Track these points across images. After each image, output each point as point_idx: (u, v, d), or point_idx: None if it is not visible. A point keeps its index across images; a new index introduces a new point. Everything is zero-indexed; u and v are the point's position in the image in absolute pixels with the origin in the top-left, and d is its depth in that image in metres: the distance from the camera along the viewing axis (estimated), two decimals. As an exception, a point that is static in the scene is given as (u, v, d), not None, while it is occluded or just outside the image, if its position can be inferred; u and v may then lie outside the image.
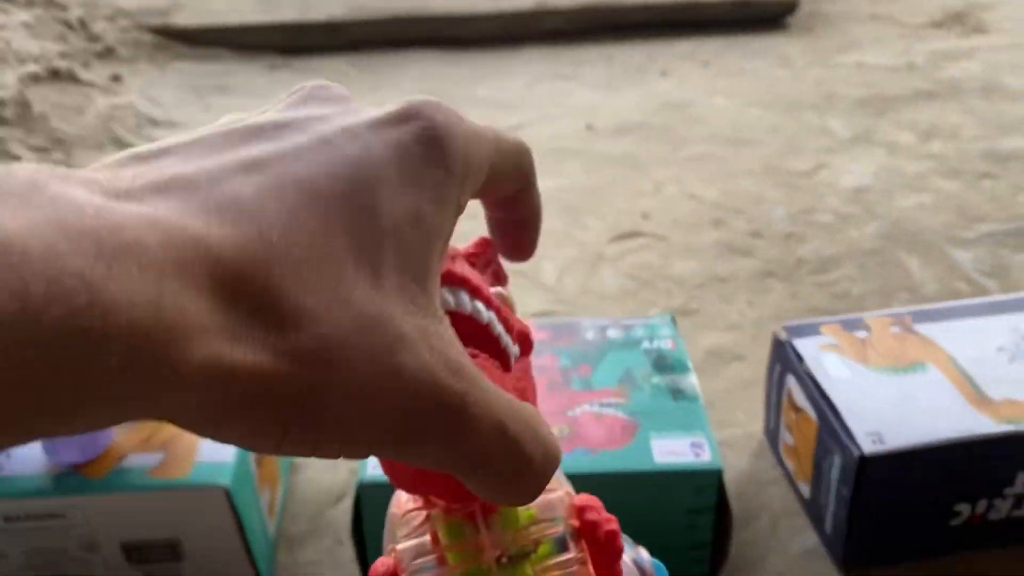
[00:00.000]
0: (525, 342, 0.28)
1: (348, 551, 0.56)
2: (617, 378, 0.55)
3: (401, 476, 0.29)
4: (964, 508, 0.53)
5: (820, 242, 0.87)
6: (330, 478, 0.62)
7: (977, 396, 0.53)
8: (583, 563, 0.31)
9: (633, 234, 0.90)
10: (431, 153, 0.22)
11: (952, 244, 0.86)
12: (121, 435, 0.52)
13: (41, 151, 0.99)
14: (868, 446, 0.49)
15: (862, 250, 0.86)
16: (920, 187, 0.97)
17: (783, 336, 0.59)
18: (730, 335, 0.75)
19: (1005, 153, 1.04)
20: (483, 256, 0.29)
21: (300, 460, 0.65)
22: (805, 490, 0.58)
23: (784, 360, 0.58)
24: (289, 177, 0.20)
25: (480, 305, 0.26)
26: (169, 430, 0.53)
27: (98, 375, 0.16)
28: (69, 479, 0.50)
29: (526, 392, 0.28)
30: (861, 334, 0.58)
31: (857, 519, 0.52)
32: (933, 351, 0.57)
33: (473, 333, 0.26)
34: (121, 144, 1.05)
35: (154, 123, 1.13)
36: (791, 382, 0.57)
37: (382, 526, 0.49)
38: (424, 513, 0.30)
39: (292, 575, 0.55)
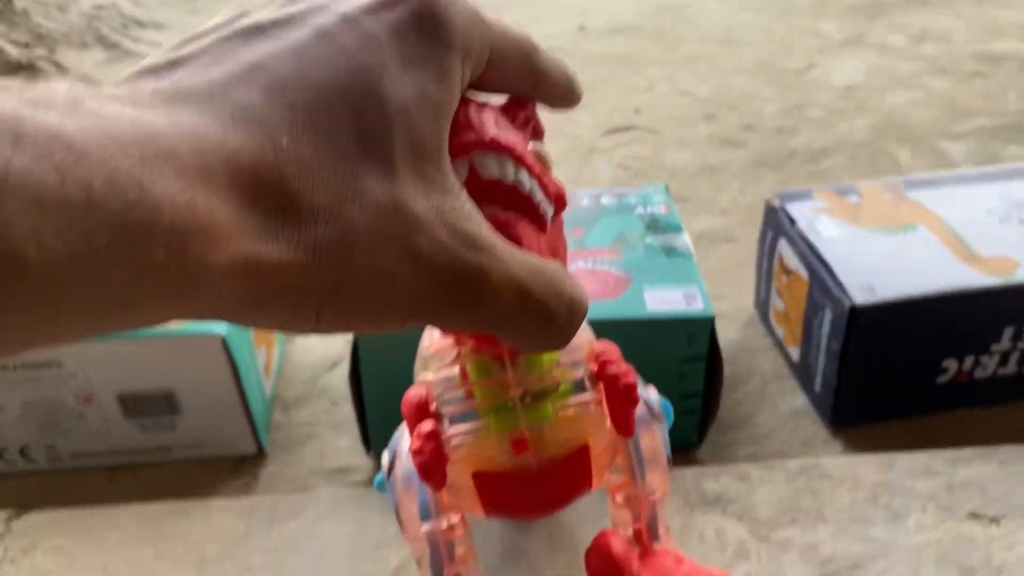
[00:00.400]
0: (559, 201, 0.28)
1: (343, 412, 0.57)
2: (611, 238, 0.55)
3: None
4: (951, 364, 0.54)
5: (812, 135, 0.87)
6: (325, 345, 0.62)
7: (967, 253, 0.53)
8: (598, 403, 0.32)
9: (626, 128, 0.90)
10: (430, 31, 0.23)
11: (943, 137, 0.86)
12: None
13: (23, 46, 0.97)
14: (859, 297, 0.50)
15: (853, 142, 0.86)
16: (911, 85, 0.97)
17: (776, 203, 0.59)
18: (721, 219, 0.75)
19: (997, 55, 1.03)
20: (523, 112, 0.29)
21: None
22: (795, 354, 0.58)
23: (776, 225, 0.59)
24: (292, 78, 0.21)
25: (523, 175, 0.26)
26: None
27: (148, 268, 0.17)
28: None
29: (558, 250, 0.28)
30: (853, 199, 0.59)
31: (846, 375, 0.52)
32: (924, 214, 0.57)
33: (514, 199, 0.26)
34: (106, 43, 1.03)
35: (140, 24, 1.11)
36: (782, 246, 0.58)
37: (379, 379, 0.50)
38: (456, 350, 0.32)
39: (288, 434, 0.56)
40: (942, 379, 0.54)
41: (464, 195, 0.24)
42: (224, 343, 0.49)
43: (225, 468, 0.53)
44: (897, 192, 0.59)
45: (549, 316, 0.25)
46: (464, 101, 0.26)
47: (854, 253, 0.53)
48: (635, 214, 0.57)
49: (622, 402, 0.32)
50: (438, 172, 0.23)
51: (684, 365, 0.50)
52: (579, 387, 0.32)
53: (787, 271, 0.57)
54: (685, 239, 0.55)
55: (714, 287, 0.67)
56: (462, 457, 0.32)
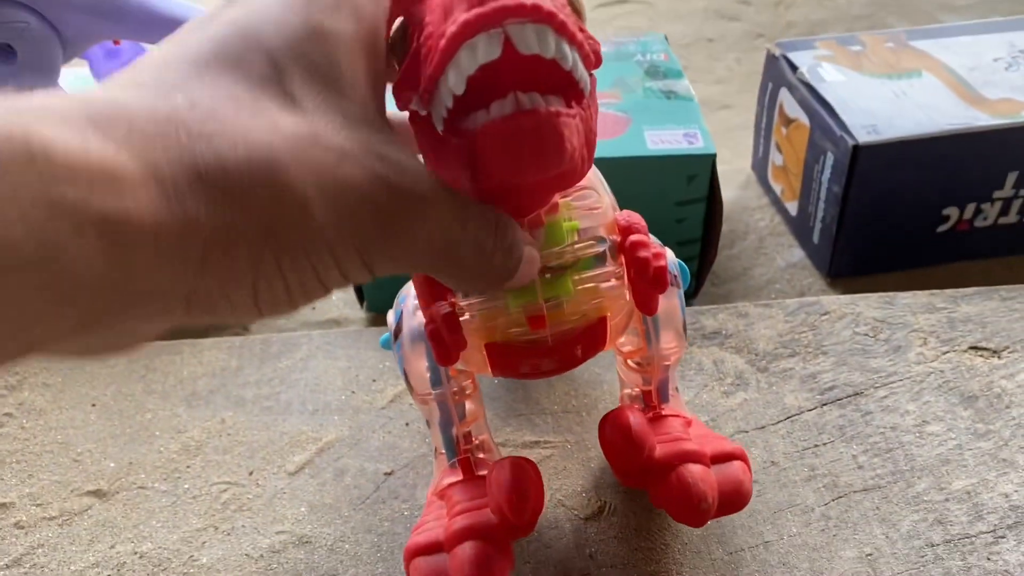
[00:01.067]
0: (596, 61, 0.25)
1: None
2: (610, 83, 0.53)
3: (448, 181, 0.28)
4: (952, 212, 0.53)
5: (809, 7, 0.85)
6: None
7: (972, 95, 0.52)
8: (619, 277, 0.30)
9: (620, 0, 0.87)
10: None
11: (942, 10, 0.84)
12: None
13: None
14: (863, 136, 0.49)
15: (851, 15, 0.84)
16: (912, -39, 0.94)
17: (777, 51, 0.57)
18: (718, 87, 0.74)
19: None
20: None
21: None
22: (792, 208, 0.57)
23: (777, 75, 0.57)
24: (179, 56, 0.22)
25: (565, 47, 0.23)
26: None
27: (68, 209, 0.18)
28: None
29: (592, 130, 0.26)
30: (856, 48, 0.57)
31: (846, 222, 0.52)
32: (928, 61, 0.55)
33: (553, 78, 0.24)
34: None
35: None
36: (783, 95, 0.56)
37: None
38: None
39: (277, 288, 0.54)
40: (942, 228, 0.53)
41: (389, 131, 0.24)
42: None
43: (214, 318, 0.52)
44: (900, 41, 0.58)
45: (486, 250, 0.25)
46: None
47: (857, 96, 0.52)
48: (634, 61, 0.55)
49: (651, 286, 0.31)
50: (349, 102, 0.23)
51: (683, 208, 0.49)
52: (599, 259, 0.30)
53: (787, 120, 0.56)
54: (686, 84, 0.53)
55: (710, 150, 0.66)
56: (475, 329, 0.30)
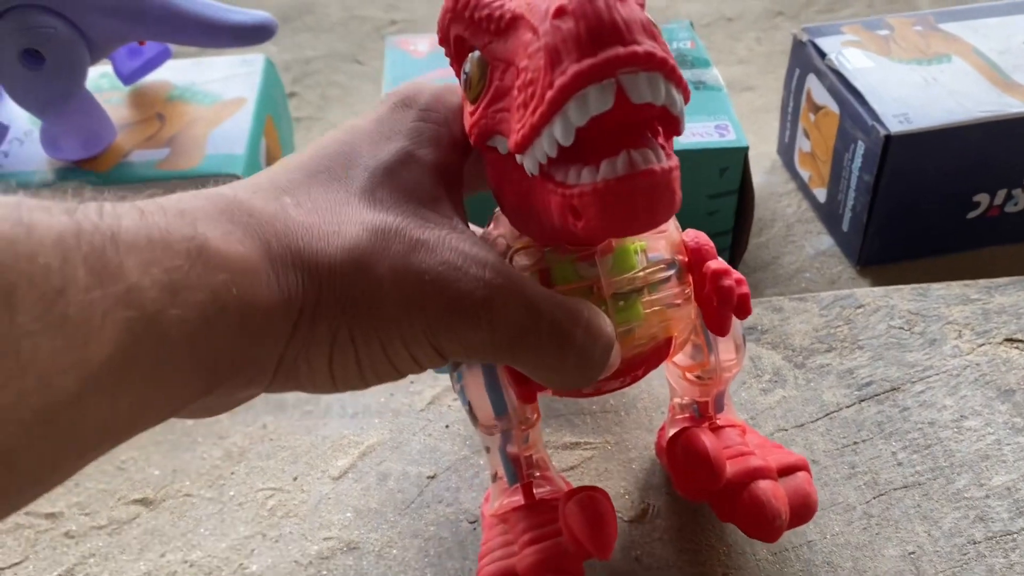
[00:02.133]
0: (687, 93, 0.25)
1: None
2: (635, 74, 0.53)
3: (517, 214, 0.28)
4: (983, 198, 0.53)
5: (829, -17, 0.84)
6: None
7: (1004, 80, 0.51)
8: (687, 298, 0.30)
9: (635, -20, 0.86)
10: (399, 109, 0.29)
11: (964, -17, 0.83)
12: (124, 133, 0.50)
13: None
14: (895, 126, 0.48)
15: (873, -11, 0.83)
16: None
17: (803, 37, 0.57)
18: (740, 68, 0.73)
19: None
20: None
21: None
22: (821, 195, 0.57)
23: (804, 61, 0.56)
24: (293, 166, 0.28)
25: (674, 92, 0.23)
26: (175, 126, 0.51)
27: (221, 297, 0.22)
28: (73, 173, 0.48)
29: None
30: (883, 32, 0.57)
31: (877, 210, 0.51)
32: (957, 44, 0.55)
33: (661, 121, 0.24)
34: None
35: None
36: (811, 82, 0.56)
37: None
38: (537, 252, 0.29)
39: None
40: (973, 214, 0.53)
41: (469, 232, 0.27)
42: (240, 184, 0.47)
43: (245, 317, 0.52)
44: (928, 24, 0.57)
45: (566, 335, 0.26)
46: None
47: (887, 83, 0.51)
48: (659, 51, 0.55)
49: (737, 313, 0.31)
50: (436, 214, 0.27)
51: (715, 200, 0.49)
52: (666, 280, 0.30)
53: (815, 107, 0.56)
54: (714, 73, 0.53)
55: (734, 134, 0.66)
56: None
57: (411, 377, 0.44)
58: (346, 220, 0.26)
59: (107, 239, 0.20)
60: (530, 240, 0.29)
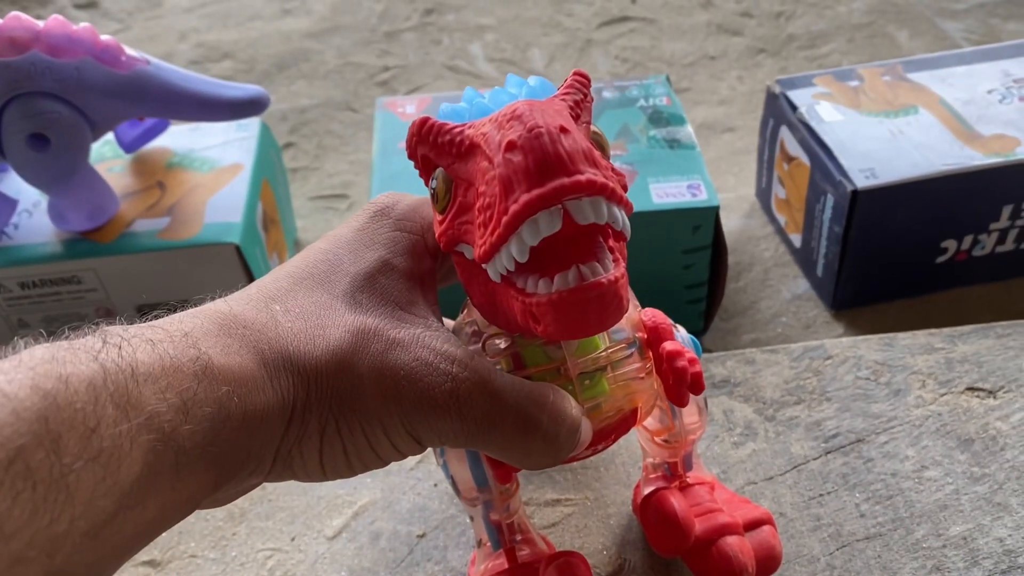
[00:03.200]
0: (629, 205, 0.28)
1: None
2: (614, 133, 0.55)
3: (485, 309, 0.31)
4: (950, 244, 0.55)
5: (809, 18, 0.86)
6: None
7: (967, 132, 0.54)
8: (648, 372, 0.33)
9: (622, 19, 0.88)
10: (376, 219, 0.32)
11: (942, 16, 0.85)
12: (126, 203, 0.53)
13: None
14: (861, 181, 0.51)
15: (851, 24, 0.85)
16: (911, -37, 0.95)
17: (776, 89, 0.59)
18: (721, 109, 0.75)
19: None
20: (585, 100, 0.29)
21: (304, 233, 0.66)
22: (796, 240, 0.59)
23: (777, 112, 0.59)
24: (283, 276, 0.31)
25: (616, 211, 0.26)
26: (175, 195, 0.53)
27: (228, 415, 0.26)
28: (79, 244, 0.50)
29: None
30: (853, 83, 0.59)
31: (847, 258, 0.54)
32: (924, 95, 0.57)
33: (604, 232, 0.27)
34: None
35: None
36: (784, 133, 0.58)
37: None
38: (508, 337, 0.32)
39: (304, 338, 0.57)
40: (941, 259, 0.55)
41: (444, 330, 0.30)
42: (238, 250, 0.50)
43: (246, 373, 0.54)
44: (897, 74, 0.59)
45: (528, 422, 0.29)
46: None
47: (855, 137, 0.54)
48: (637, 107, 0.57)
49: (691, 390, 0.33)
50: (411, 315, 0.30)
51: (689, 255, 0.51)
52: (627, 356, 0.32)
53: (788, 158, 0.58)
54: (688, 131, 0.55)
55: (715, 177, 0.68)
56: None
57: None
58: (330, 323, 0.29)
59: (128, 376, 0.23)
60: (500, 328, 0.32)
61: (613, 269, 0.26)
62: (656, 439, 0.38)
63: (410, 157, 0.30)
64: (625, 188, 0.28)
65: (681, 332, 0.36)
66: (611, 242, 0.27)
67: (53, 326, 0.52)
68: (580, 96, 0.29)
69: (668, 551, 0.38)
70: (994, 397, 0.46)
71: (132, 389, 0.23)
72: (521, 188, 0.25)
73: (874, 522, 0.41)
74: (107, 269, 0.50)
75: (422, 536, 0.42)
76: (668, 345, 0.33)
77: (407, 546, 0.42)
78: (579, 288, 0.26)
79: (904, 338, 0.50)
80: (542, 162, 0.24)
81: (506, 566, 0.37)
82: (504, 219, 0.25)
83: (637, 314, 0.34)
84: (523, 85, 0.29)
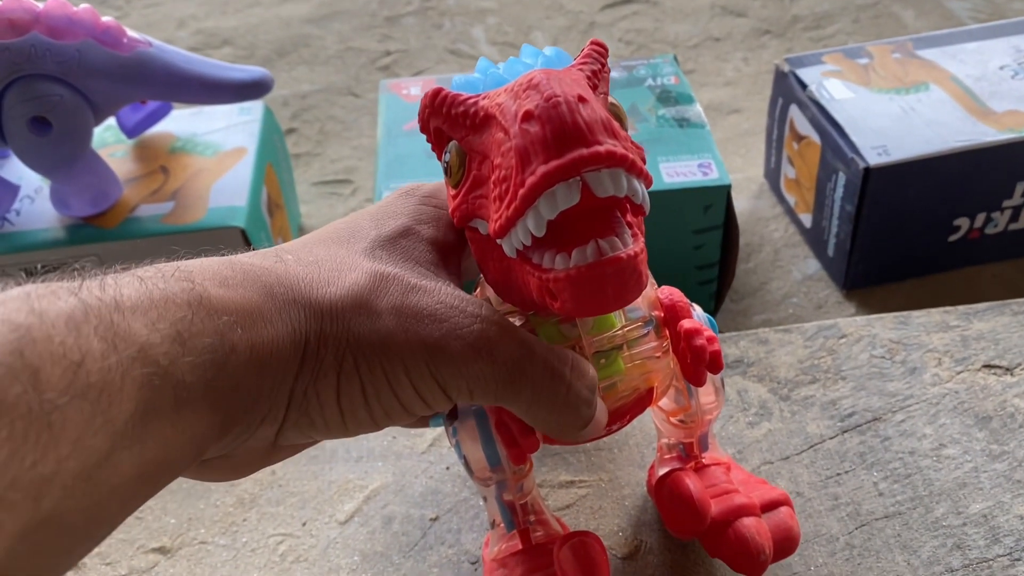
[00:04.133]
0: (648, 177, 0.27)
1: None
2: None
3: (499, 286, 0.30)
4: (963, 222, 0.54)
5: (815, 0, 0.85)
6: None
7: (980, 108, 0.53)
8: (665, 351, 0.32)
9: (625, 1, 0.88)
10: (402, 197, 0.32)
11: (948, -5, 0.84)
12: (129, 188, 0.52)
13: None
14: (873, 158, 0.50)
15: (856, 5, 0.84)
16: (916, -58, 0.94)
17: (785, 68, 0.58)
18: (727, 90, 0.75)
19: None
20: (602, 70, 0.28)
21: (308, 219, 0.65)
22: (807, 220, 0.59)
23: (786, 91, 0.58)
24: (309, 236, 0.31)
25: (636, 184, 0.25)
26: (179, 179, 0.52)
27: (231, 345, 0.24)
28: (82, 229, 0.50)
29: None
30: (863, 61, 0.58)
31: (859, 237, 0.53)
32: (935, 71, 0.56)
33: (623, 205, 0.26)
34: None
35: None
36: (793, 112, 0.57)
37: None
38: (522, 316, 0.31)
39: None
40: (953, 237, 0.55)
41: (461, 289, 0.29)
42: (244, 234, 0.49)
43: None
44: (907, 51, 0.59)
45: (555, 372, 0.28)
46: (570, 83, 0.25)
47: (866, 114, 0.53)
48: (645, 86, 0.57)
49: (709, 369, 0.33)
50: (431, 274, 0.29)
51: (701, 235, 0.51)
52: (643, 335, 0.32)
53: (798, 137, 0.57)
54: (697, 109, 0.54)
55: (723, 158, 0.67)
56: None
57: (412, 420, 0.46)
58: (346, 269, 0.28)
59: (112, 309, 0.22)
60: (514, 306, 0.31)
61: (632, 244, 0.25)
62: (672, 419, 0.37)
63: (422, 130, 0.30)
64: (644, 160, 0.27)
65: (697, 311, 0.35)
66: (628, 216, 0.26)
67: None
68: (597, 66, 0.28)
69: (684, 533, 0.37)
70: (1011, 374, 0.45)
71: (119, 321, 0.22)
72: (538, 159, 0.24)
73: (893, 501, 0.40)
74: (111, 255, 0.50)
75: (435, 519, 0.42)
76: (686, 323, 0.32)
77: (420, 530, 0.41)
78: (597, 263, 0.25)
79: (919, 316, 0.49)
80: (560, 132, 0.24)
81: (520, 547, 0.36)
82: (521, 192, 0.24)
83: (653, 292, 0.33)
84: (538, 55, 0.29)
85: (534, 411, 0.29)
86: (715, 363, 0.32)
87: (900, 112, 0.53)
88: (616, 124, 0.25)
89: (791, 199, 0.61)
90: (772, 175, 0.63)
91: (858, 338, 0.48)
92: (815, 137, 0.55)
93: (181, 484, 0.44)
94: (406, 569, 0.40)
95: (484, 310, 0.27)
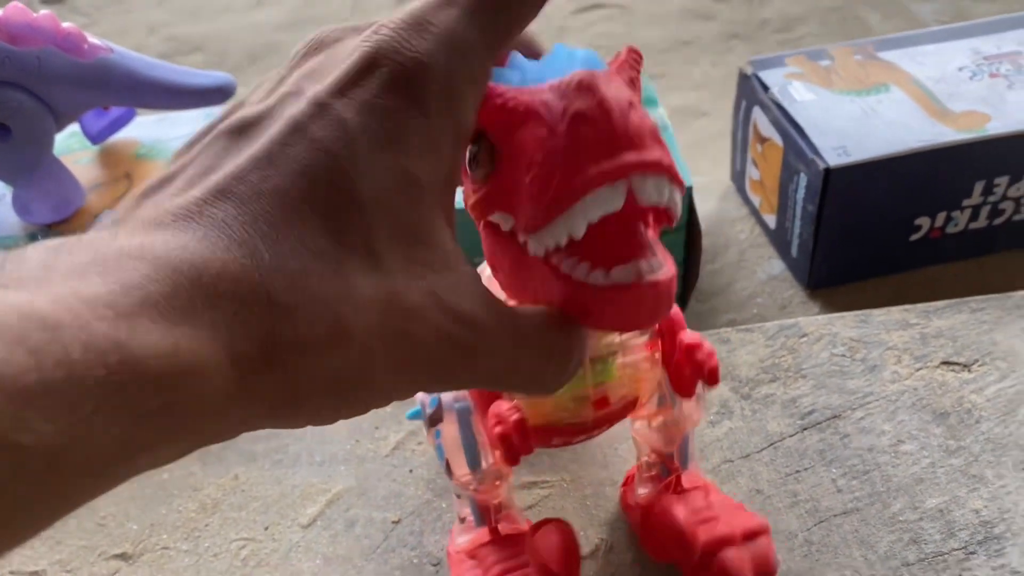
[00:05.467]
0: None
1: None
2: (585, 115, 0.55)
3: (512, 285, 0.29)
4: (924, 222, 0.55)
5: (783, 3, 0.86)
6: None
7: (938, 109, 0.54)
8: (654, 360, 0.33)
9: (596, 6, 0.88)
10: (401, 101, 0.22)
11: (914, -2, 0.85)
12: (93, 194, 0.52)
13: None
14: (833, 159, 0.50)
15: (823, 8, 0.85)
16: (883, -54, 0.95)
17: (749, 70, 0.59)
18: (695, 94, 0.75)
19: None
20: (638, 78, 0.28)
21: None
22: (771, 221, 0.59)
23: (750, 93, 0.59)
24: (267, 186, 0.20)
25: (676, 195, 0.25)
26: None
27: (146, 418, 0.17)
28: (45, 236, 0.50)
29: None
30: (825, 63, 0.59)
31: (822, 237, 0.54)
32: (895, 73, 0.57)
33: (661, 218, 0.25)
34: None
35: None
36: (757, 114, 0.58)
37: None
38: None
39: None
40: (915, 237, 0.56)
41: (462, 269, 0.24)
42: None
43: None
44: (868, 53, 0.59)
45: (540, 368, 0.25)
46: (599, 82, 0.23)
47: (827, 116, 0.54)
48: (608, 90, 0.57)
49: (707, 383, 0.33)
50: (430, 251, 0.23)
51: (664, 237, 0.51)
52: (639, 343, 0.32)
53: (762, 139, 0.58)
54: (660, 112, 0.55)
55: (691, 161, 0.68)
56: (524, 413, 0.32)
57: (376, 422, 0.46)
58: (336, 293, 0.22)
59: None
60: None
61: (667, 266, 0.25)
62: (652, 423, 0.37)
63: None
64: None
65: (675, 311, 0.36)
66: (651, 232, 0.26)
67: (21, 321, 0.52)
68: (635, 73, 0.28)
69: (665, 559, 0.38)
70: (969, 371, 0.46)
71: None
72: (588, 159, 0.23)
73: (851, 497, 0.41)
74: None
75: (397, 522, 0.42)
76: (687, 336, 0.33)
77: (382, 532, 0.41)
78: (639, 285, 0.24)
79: (879, 314, 0.49)
80: (611, 135, 0.23)
81: (488, 538, 0.36)
82: (566, 189, 0.24)
83: None
84: (573, 56, 0.28)
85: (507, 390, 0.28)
86: (713, 377, 0.33)
87: (860, 113, 0.54)
88: (658, 132, 0.25)
89: (756, 200, 0.61)
90: (738, 177, 0.64)
91: (819, 337, 0.48)
92: (777, 139, 0.55)
93: (144, 490, 0.44)
94: (368, 572, 0.40)
95: (485, 329, 0.24)
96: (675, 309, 0.34)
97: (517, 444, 0.32)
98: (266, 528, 0.42)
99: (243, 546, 0.41)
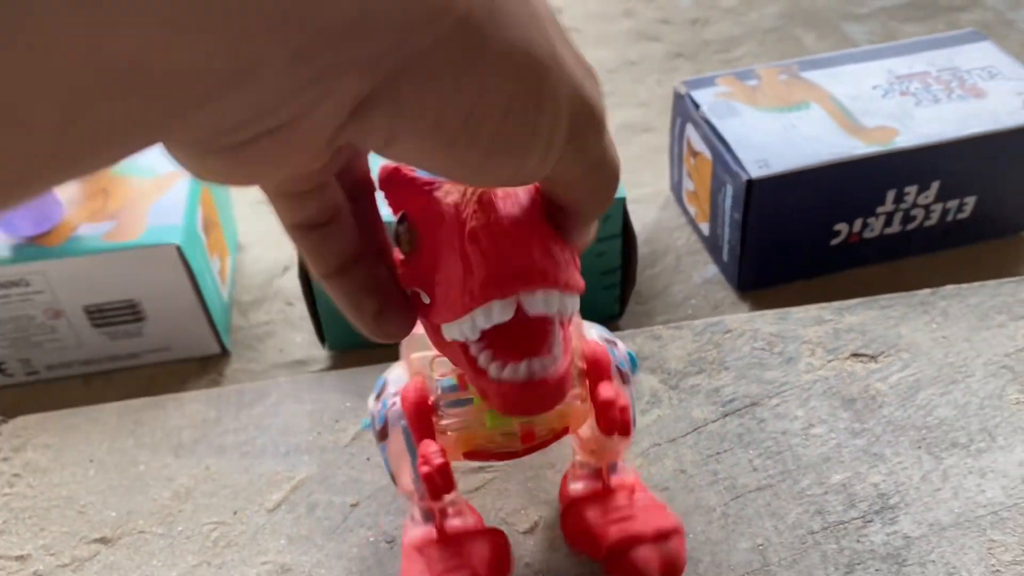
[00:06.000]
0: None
1: (298, 310, 0.62)
2: (531, 133, 0.59)
3: (437, 346, 0.32)
4: (842, 227, 0.60)
5: (724, 24, 0.91)
6: (275, 253, 0.66)
7: (852, 125, 0.59)
8: (584, 399, 0.36)
9: (548, 28, 0.93)
10: None
11: (846, 19, 0.91)
12: (72, 209, 0.56)
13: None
14: (755, 171, 0.55)
15: (762, 29, 0.90)
16: (820, -30, 1.01)
17: (683, 90, 0.64)
18: (640, 111, 0.80)
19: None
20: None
21: (245, 237, 0.69)
22: (705, 228, 0.64)
23: (684, 111, 0.63)
24: None
25: (567, 301, 0.27)
26: (118, 201, 0.56)
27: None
28: (27, 249, 0.53)
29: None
30: (752, 83, 0.64)
31: (749, 243, 0.58)
32: (815, 92, 0.62)
33: (556, 325, 0.28)
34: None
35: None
36: (690, 130, 0.63)
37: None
38: (455, 371, 0.34)
39: (248, 334, 0.60)
40: (835, 241, 0.60)
41: None
42: (179, 250, 0.53)
43: (192, 368, 0.58)
44: (792, 73, 0.64)
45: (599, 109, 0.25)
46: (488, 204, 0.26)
47: (751, 132, 0.59)
48: (553, 109, 0.61)
49: (620, 435, 0.36)
50: None
51: (601, 244, 0.56)
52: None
53: (694, 153, 0.63)
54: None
55: (635, 174, 0.73)
56: (454, 442, 0.36)
57: (336, 416, 0.50)
58: None
59: None
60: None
61: (560, 361, 0.28)
62: (584, 448, 0.41)
63: (380, 188, 0.31)
64: (578, 268, 0.29)
65: (619, 348, 0.39)
66: (561, 330, 0.29)
67: (3, 328, 0.55)
68: None
69: (584, 552, 0.42)
70: (875, 361, 0.51)
71: None
72: (479, 275, 0.26)
73: (765, 475, 0.45)
74: (55, 272, 0.53)
75: (355, 505, 0.46)
76: (603, 391, 0.35)
77: (342, 514, 0.45)
78: (528, 384, 0.27)
79: (797, 312, 0.54)
80: (499, 255, 0.26)
81: (435, 536, 0.40)
82: (461, 299, 0.26)
83: (581, 344, 0.37)
84: None
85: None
86: (624, 431, 0.36)
87: (782, 128, 0.59)
88: (556, 243, 0.27)
89: (692, 210, 0.66)
90: (676, 188, 0.69)
91: (741, 332, 0.53)
92: (707, 153, 0.60)
93: (121, 480, 0.48)
94: (328, 550, 0.44)
95: None
96: (601, 354, 0.36)
97: (440, 484, 0.35)
98: (235, 513, 0.46)
99: (214, 529, 0.45)
